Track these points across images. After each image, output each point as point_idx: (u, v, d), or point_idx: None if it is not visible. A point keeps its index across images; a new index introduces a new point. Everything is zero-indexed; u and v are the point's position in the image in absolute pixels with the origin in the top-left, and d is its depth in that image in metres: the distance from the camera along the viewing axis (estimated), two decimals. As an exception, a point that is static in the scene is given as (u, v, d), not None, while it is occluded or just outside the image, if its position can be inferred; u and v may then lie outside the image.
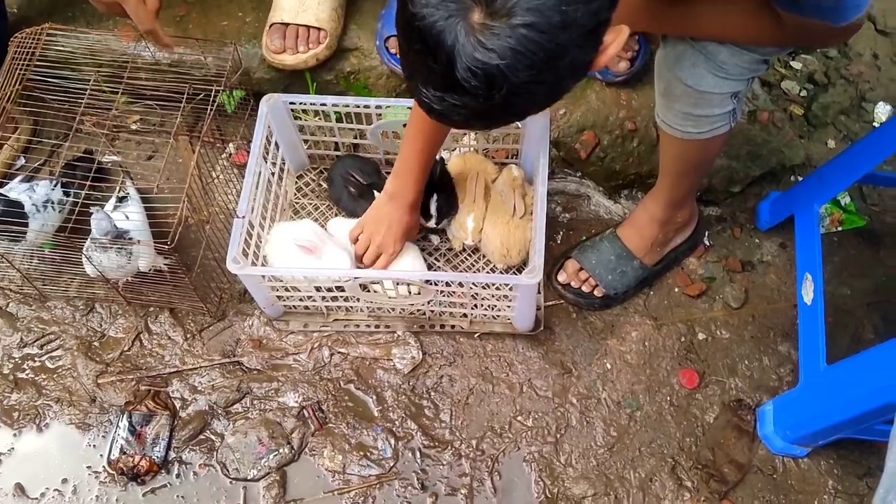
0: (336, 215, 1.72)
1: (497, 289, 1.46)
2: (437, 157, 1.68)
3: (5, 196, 1.54)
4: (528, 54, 0.79)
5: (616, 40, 0.88)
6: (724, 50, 1.15)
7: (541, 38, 0.78)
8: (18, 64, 1.50)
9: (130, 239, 1.48)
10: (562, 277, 1.65)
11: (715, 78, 1.18)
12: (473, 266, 1.67)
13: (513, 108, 0.87)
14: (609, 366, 1.62)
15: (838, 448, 1.51)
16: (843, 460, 1.52)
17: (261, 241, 1.56)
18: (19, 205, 1.53)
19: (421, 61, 0.84)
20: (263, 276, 1.47)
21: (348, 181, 1.63)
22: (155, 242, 1.52)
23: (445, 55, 0.80)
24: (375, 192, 1.59)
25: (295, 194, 1.77)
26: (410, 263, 1.58)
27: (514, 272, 1.64)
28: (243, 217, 1.47)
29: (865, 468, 1.52)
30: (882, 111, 1.86)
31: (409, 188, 1.50)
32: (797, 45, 1.60)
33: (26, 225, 1.52)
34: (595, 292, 1.63)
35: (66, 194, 1.61)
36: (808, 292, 1.50)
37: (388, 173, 1.55)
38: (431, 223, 1.60)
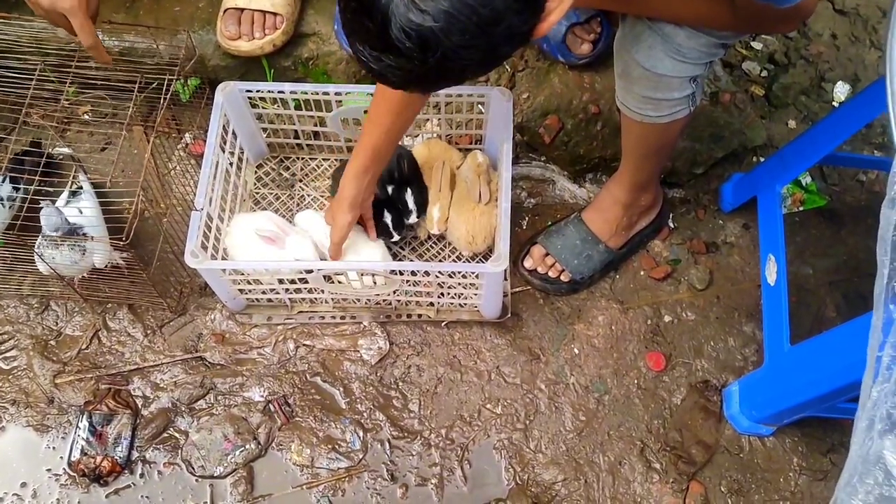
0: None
1: (463, 277, 1.45)
2: (403, 147, 1.67)
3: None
4: (461, 18, 0.78)
5: (559, 7, 0.88)
6: (681, 32, 1.14)
7: (475, 2, 0.78)
8: (-41, 53, 1.44)
9: (84, 234, 1.43)
10: (528, 263, 1.64)
11: (672, 61, 1.17)
12: (439, 255, 1.65)
13: (449, 73, 0.86)
14: (577, 351, 1.62)
15: (803, 426, 1.53)
16: (808, 438, 1.54)
17: (220, 234, 1.52)
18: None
19: (357, 20, 0.83)
20: (224, 270, 1.44)
21: None
22: (110, 238, 1.48)
23: (380, 14, 0.80)
24: (386, 210, 1.56)
25: (255, 184, 1.73)
26: (379, 255, 1.56)
27: (480, 259, 1.63)
28: (201, 210, 1.43)
29: (829, 445, 1.54)
30: (841, 91, 1.87)
31: (353, 184, 1.43)
32: (750, 30, 1.60)
33: None
34: (562, 277, 1.63)
35: (16, 189, 1.56)
36: (770, 273, 1.51)
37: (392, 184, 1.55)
38: (412, 218, 1.58)
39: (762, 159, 1.78)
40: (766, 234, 1.56)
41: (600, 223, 1.61)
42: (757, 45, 1.89)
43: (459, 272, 1.43)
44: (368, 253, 1.55)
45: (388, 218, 1.57)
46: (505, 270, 1.41)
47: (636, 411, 1.57)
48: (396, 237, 1.60)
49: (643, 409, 1.57)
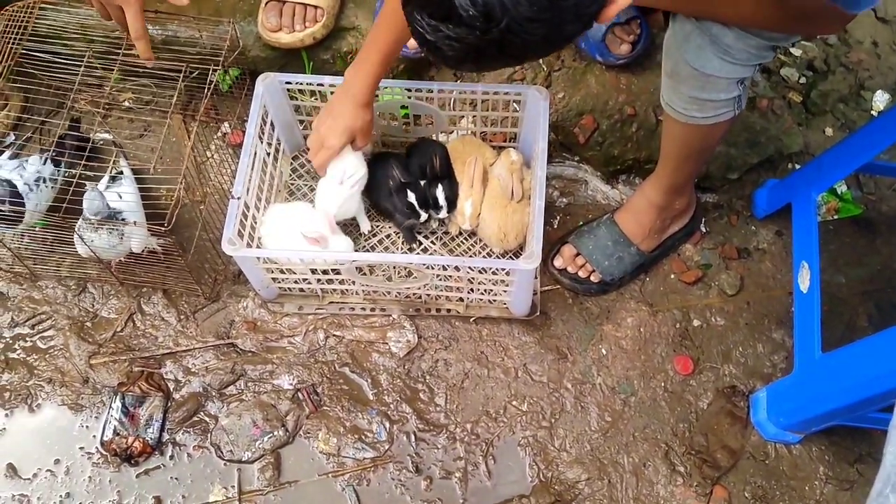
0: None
1: (494, 273, 1.46)
2: (437, 141, 1.68)
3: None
4: None
5: None
6: (729, 33, 1.14)
7: None
8: (10, 38, 1.47)
9: (122, 219, 1.46)
10: (558, 263, 1.65)
11: (721, 61, 1.17)
12: (470, 250, 1.66)
13: (509, 49, 0.83)
14: (604, 351, 1.62)
15: (830, 435, 1.52)
16: (835, 447, 1.53)
17: (256, 223, 1.54)
18: (12, 185, 1.51)
19: None
20: (259, 258, 1.46)
21: (389, 173, 1.58)
22: (149, 223, 1.50)
23: None
24: (409, 191, 1.57)
25: (290, 175, 1.75)
26: (353, 163, 1.55)
27: (510, 256, 1.63)
28: (239, 198, 1.45)
29: (857, 455, 1.53)
30: (880, 99, 1.85)
31: (360, 82, 1.43)
32: (797, 31, 1.59)
33: (23, 206, 1.50)
34: (591, 278, 1.63)
35: (57, 170, 1.59)
36: (804, 280, 1.50)
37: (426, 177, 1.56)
38: (442, 213, 1.59)
39: (798, 166, 1.77)
40: (801, 241, 1.55)
41: (633, 225, 1.61)
42: (796, 52, 1.87)
43: (490, 268, 1.44)
44: (347, 161, 1.54)
45: (411, 197, 1.58)
46: (536, 268, 1.41)
47: (662, 414, 1.57)
48: (424, 216, 1.60)
49: (669, 412, 1.57)
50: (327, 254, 1.48)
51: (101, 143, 1.78)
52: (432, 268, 1.45)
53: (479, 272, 1.46)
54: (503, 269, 1.43)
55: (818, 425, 1.47)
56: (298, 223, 1.51)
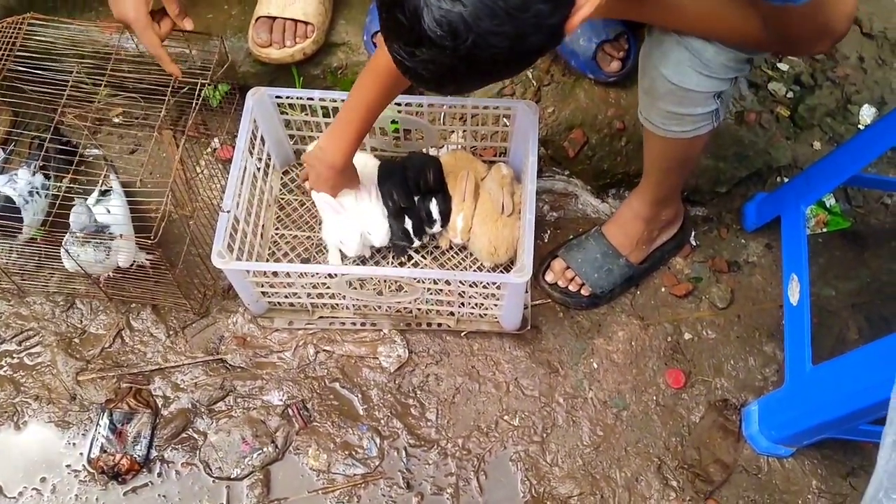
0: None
1: (485, 287, 1.45)
2: (430, 155, 1.68)
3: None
4: (489, 3, 0.83)
5: (589, 1, 0.90)
6: (710, 48, 1.15)
7: None
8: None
9: (110, 234, 1.45)
10: (549, 277, 1.65)
11: (699, 76, 1.18)
12: (461, 264, 1.66)
13: (478, 64, 0.88)
14: (596, 365, 1.61)
15: (822, 448, 1.52)
16: (828, 460, 1.53)
17: (245, 237, 1.54)
18: (9, 199, 1.50)
19: (392, 16, 0.88)
20: (248, 271, 1.45)
21: (389, 195, 1.59)
22: (137, 238, 1.50)
23: (412, 6, 0.85)
24: (407, 217, 1.58)
25: (280, 190, 1.75)
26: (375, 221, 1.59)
27: (501, 270, 1.63)
28: (228, 211, 1.45)
29: (849, 468, 1.52)
30: (867, 113, 1.87)
31: (338, 150, 1.45)
32: (783, 50, 1.60)
33: (21, 218, 1.50)
34: (582, 291, 1.63)
35: (47, 178, 1.59)
36: (794, 293, 1.51)
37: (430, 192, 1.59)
38: (436, 228, 1.59)
39: (786, 179, 1.78)
40: (790, 253, 1.56)
41: (621, 237, 1.61)
42: (783, 67, 1.89)
43: (481, 282, 1.44)
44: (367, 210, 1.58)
45: (408, 224, 1.59)
46: (526, 282, 1.41)
47: (654, 428, 1.56)
48: (417, 243, 1.61)
49: (661, 426, 1.56)
50: (316, 268, 1.48)
51: (92, 158, 1.77)
52: (423, 281, 1.45)
53: (470, 286, 1.46)
54: (494, 283, 1.43)
55: (810, 438, 1.46)
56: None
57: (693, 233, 1.74)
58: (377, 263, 1.66)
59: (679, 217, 1.65)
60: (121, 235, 1.44)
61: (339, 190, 1.55)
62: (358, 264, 1.65)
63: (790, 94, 1.86)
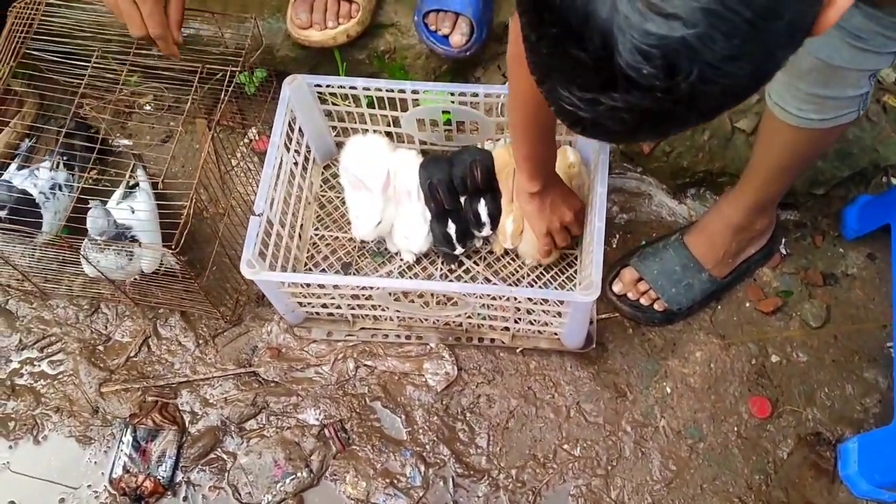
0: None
1: (544, 302, 1.28)
2: (479, 148, 1.51)
3: (13, 185, 1.39)
4: (727, 16, 0.54)
5: None
6: (857, 13, 0.92)
7: None
8: (16, 36, 1.35)
9: (132, 238, 1.32)
10: (617, 288, 1.47)
11: (852, 50, 0.95)
12: (517, 272, 1.49)
13: (702, 104, 0.60)
14: (669, 390, 1.43)
15: (934, 495, 1.32)
16: (940, 510, 1.32)
17: (281, 240, 1.40)
18: (27, 195, 1.39)
19: (560, 51, 0.60)
20: (283, 283, 1.31)
21: (432, 195, 1.44)
22: (164, 242, 1.37)
23: (599, 36, 0.56)
24: (451, 220, 1.42)
25: (321, 186, 1.60)
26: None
27: (555, 274, 1.46)
28: (261, 214, 1.31)
29: (966, 520, 1.32)
30: None
31: (525, 178, 1.32)
32: None
33: (40, 219, 1.39)
34: (655, 306, 1.44)
35: (71, 174, 1.47)
36: (906, 315, 1.30)
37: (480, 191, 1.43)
38: (485, 231, 1.43)
39: (894, 181, 1.56)
40: (902, 268, 1.34)
41: (705, 248, 1.41)
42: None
43: (542, 299, 1.26)
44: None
45: (451, 228, 1.42)
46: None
47: (735, 463, 1.38)
48: (460, 250, 1.45)
49: (743, 462, 1.38)
50: (354, 280, 1.33)
51: (121, 148, 1.65)
52: (475, 296, 1.29)
53: (529, 300, 1.29)
54: (558, 301, 1.26)
55: (923, 487, 1.26)
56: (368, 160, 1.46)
57: (784, 240, 1.53)
58: (424, 269, 1.50)
59: (772, 226, 1.44)
60: (139, 244, 1.30)
61: (562, 213, 1.38)
62: (403, 271, 1.50)
63: (900, 81, 1.63)
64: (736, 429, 1.40)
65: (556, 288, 1.46)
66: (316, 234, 1.55)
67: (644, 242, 1.51)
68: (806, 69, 1.00)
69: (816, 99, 1.04)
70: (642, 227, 1.56)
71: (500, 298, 1.28)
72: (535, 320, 1.36)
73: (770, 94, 1.10)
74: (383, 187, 1.41)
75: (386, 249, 1.53)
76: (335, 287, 1.31)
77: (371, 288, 1.29)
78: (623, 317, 1.48)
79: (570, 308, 1.25)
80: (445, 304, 1.38)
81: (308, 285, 1.32)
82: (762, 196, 1.31)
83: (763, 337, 1.47)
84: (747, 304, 1.49)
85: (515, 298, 1.26)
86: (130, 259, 1.32)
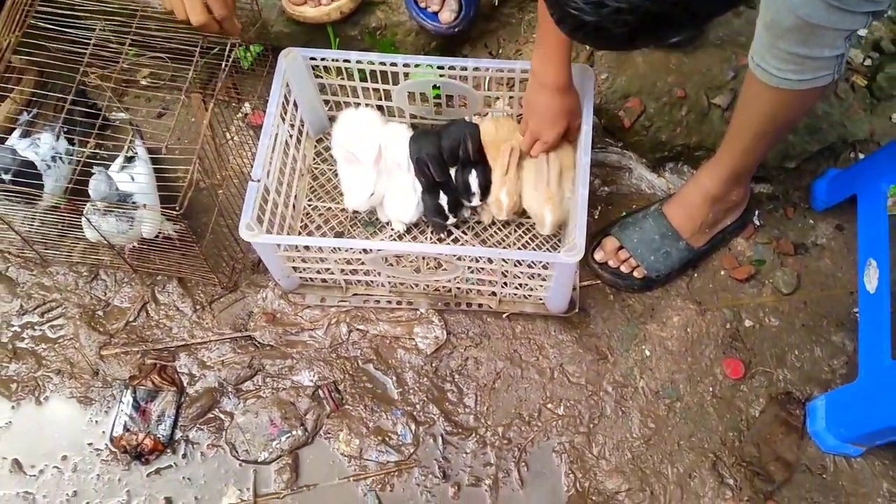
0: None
1: (530, 266, 1.35)
2: (469, 122, 1.57)
3: (17, 153, 1.43)
4: None
5: None
6: None
7: None
8: (19, 9, 1.39)
9: (134, 203, 1.37)
10: (599, 256, 1.53)
11: (830, 9, 1.01)
12: (505, 241, 1.55)
13: (696, 6, 0.67)
14: (648, 352, 1.50)
15: (895, 449, 1.40)
16: (901, 462, 1.40)
17: (276, 208, 1.45)
18: (30, 163, 1.43)
19: None
20: (279, 245, 1.36)
21: (421, 169, 1.49)
22: (162, 208, 1.41)
23: None
24: (442, 192, 1.47)
25: (314, 159, 1.66)
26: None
27: (548, 248, 1.52)
28: (258, 181, 1.36)
29: (925, 471, 1.40)
30: (952, 84, 1.70)
31: (552, 68, 1.32)
32: None
33: (42, 184, 1.42)
34: (635, 273, 1.51)
35: (71, 143, 1.51)
36: (871, 280, 1.37)
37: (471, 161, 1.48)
38: (475, 201, 1.49)
39: (861, 155, 1.64)
40: (867, 236, 1.42)
41: (683, 218, 1.48)
42: (862, 32, 1.72)
43: (527, 261, 1.33)
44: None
45: (443, 200, 1.48)
46: (577, 263, 1.30)
47: (710, 421, 1.45)
48: (452, 220, 1.51)
49: (717, 420, 1.45)
50: (349, 243, 1.38)
51: (118, 122, 1.69)
52: (464, 259, 1.35)
53: (515, 265, 1.35)
54: (541, 263, 1.32)
55: (884, 439, 1.34)
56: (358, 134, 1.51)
57: (757, 212, 1.60)
58: (415, 238, 1.56)
59: (746, 197, 1.51)
60: (143, 206, 1.35)
61: (565, 124, 1.41)
62: (394, 239, 1.55)
63: (868, 62, 1.70)
64: (711, 389, 1.47)
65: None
66: (309, 205, 1.60)
67: (625, 213, 1.58)
68: (786, 27, 1.06)
69: (796, 59, 1.10)
70: (623, 200, 1.63)
71: (488, 262, 1.34)
72: (521, 284, 1.42)
73: (753, 56, 1.16)
74: (375, 160, 1.47)
75: (377, 219, 1.58)
76: (332, 251, 1.36)
77: (365, 251, 1.34)
78: (604, 284, 1.54)
79: (555, 271, 1.32)
80: (436, 269, 1.44)
81: (306, 248, 1.37)
82: (739, 165, 1.38)
83: (737, 303, 1.54)
84: (722, 273, 1.57)
85: (503, 261, 1.32)
86: (131, 224, 1.36)
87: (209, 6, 1.23)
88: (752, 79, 1.19)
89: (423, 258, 1.45)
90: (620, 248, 1.51)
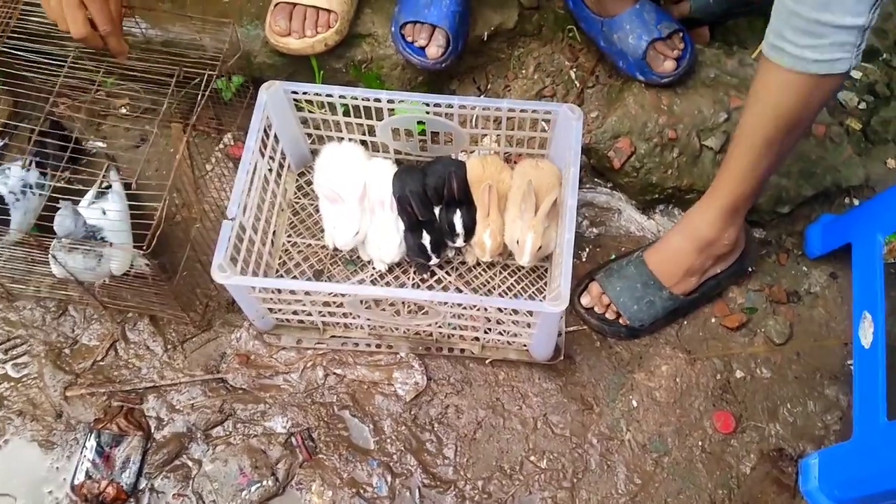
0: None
1: (514, 312, 1.29)
2: (454, 160, 1.53)
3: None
4: None
5: None
6: None
7: None
8: (-9, 36, 1.34)
9: (102, 239, 1.31)
10: (585, 301, 1.48)
11: None
12: (489, 283, 1.50)
13: None
14: (635, 403, 1.45)
15: (891, 511, 1.34)
16: (897, 525, 1.35)
17: (253, 245, 1.39)
18: (-2, 195, 1.38)
19: None
20: (254, 288, 1.31)
21: (404, 208, 1.44)
22: (135, 244, 1.36)
23: None
24: (426, 231, 1.43)
25: (295, 193, 1.61)
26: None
27: (525, 285, 1.47)
28: (233, 219, 1.31)
29: (922, 535, 1.34)
30: (950, 130, 1.67)
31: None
32: None
33: (8, 217, 1.37)
34: (620, 320, 1.46)
35: (43, 174, 1.46)
36: (866, 333, 1.32)
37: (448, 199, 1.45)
38: (459, 242, 1.44)
39: (856, 201, 1.60)
40: (862, 287, 1.37)
41: (666, 265, 1.43)
42: (856, 74, 1.70)
43: (511, 309, 1.27)
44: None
45: (426, 239, 1.43)
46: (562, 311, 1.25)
47: (699, 477, 1.39)
48: (435, 260, 1.46)
49: (707, 476, 1.39)
50: (325, 286, 1.33)
51: (94, 151, 1.64)
52: (447, 304, 1.29)
53: (498, 311, 1.30)
54: (526, 311, 1.27)
55: (881, 502, 1.28)
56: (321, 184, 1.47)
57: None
58: (397, 278, 1.51)
59: (741, 244, 1.46)
60: (110, 244, 1.30)
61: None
62: (375, 279, 1.50)
63: (863, 105, 1.68)
64: (700, 443, 1.42)
65: (527, 298, 1.48)
66: (289, 241, 1.55)
67: (613, 257, 1.53)
68: None
69: (817, 27, 1.04)
70: (611, 242, 1.58)
71: (471, 308, 1.28)
72: (504, 331, 1.37)
73: (767, 38, 1.11)
74: (360, 198, 1.42)
75: (358, 258, 1.53)
76: (306, 294, 1.31)
77: (342, 295, 1.29)
78: (591, 329, 1.49)
79: (539, 319, 1.27)
80: (416, 313, 1.39)
81: (279, 291, 1.32)
82: (737, 193, 1.31)
83: (728, 352, 1.49)
84: (713, 320, 1.52)
85: (486, 308, 1.27)
86: (99, 261, 1.31)
87: (92, 19, 1.17)
88: (763, 71, 1.15)
89: (404, 302, 1.40)
90: (604, 293, 1.46)
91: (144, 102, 1.66)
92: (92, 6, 1.16)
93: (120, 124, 1.68)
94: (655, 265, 1.44)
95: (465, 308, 1.30)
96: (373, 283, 1.51)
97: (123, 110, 1.69)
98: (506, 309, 1.29)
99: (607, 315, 1.47)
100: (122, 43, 1.24)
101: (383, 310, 1.36)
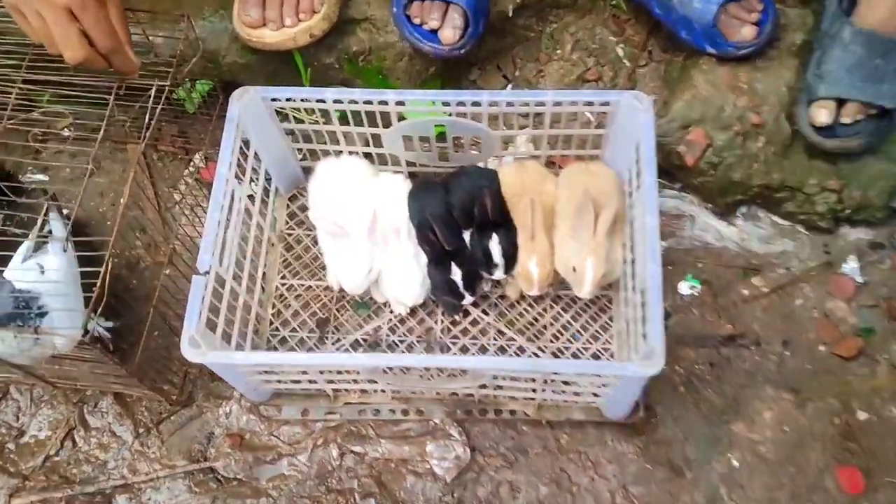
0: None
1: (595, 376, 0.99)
2: (485, 169, 1.21)
3: None
4: None
5: None
6: None
7: None
8: None
9: (40, 308, 1.01)
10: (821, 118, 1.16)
11: None
12: (537, 322, 1.19)
13: None
14: (736, 462, 1.15)
15: None
16: None
17: (236, 299, 1.09)
18: None
19: None
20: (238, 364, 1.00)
21: (425, 236, 1.14)
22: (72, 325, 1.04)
23: None
24: (455, 264, 1.12)
25: (287, 223, 1.30)
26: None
27: (585, 322, 1.17)
28: (207, 273, 1.00)
29: None
30: None
31: None
32: None
33: None
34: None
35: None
36: None
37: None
38: (498, 274, 1.13)
39: None
40: None
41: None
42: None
43: (587, 373, 0.97)
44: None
45: (456, 274, 1.13)
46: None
47: (825, 555, 1.10)
48: (469, 299, 1.15)
49: (835, 552, 1.10)
50: (333, 359, 1.02)
51: (32, 188, 1.33)
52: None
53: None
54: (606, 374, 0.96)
55: None
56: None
57: (857, 265, 1.25)
58: (421, 322, 1.20)
59: None
60: (36, 328, 0.98)
61: None
62: (395, 326, 1.20)
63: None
64: (822, 509, 1.12)
65: (587, 340, 1.17)
66: (283, 284, 1.25)
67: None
68: None
69: None
70: (685, 256, 1.28)
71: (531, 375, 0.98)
72: (570, 391, 1.06)
73: None
74: (370, 230, 1.11)
75: (371, 299, 1.23)
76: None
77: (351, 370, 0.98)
78: (673, 373, 1.19)
79: (622, 381, 0.96)
80: (455, 374, 1.08)
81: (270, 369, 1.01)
82: None
83: (845, 389, 1.19)
84: (821, 348, 1.21)
85: (554, 374, 0.96)
86: (36, 340, 1.00)
87: (89, 37, 0.91)
88: None
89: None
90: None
91: (92, 121, 1.34)
92: (85, 17, 0.90)
93: (64, 149, 1.37)
94: (880, 20, 1.11)
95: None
96: (391, 330, 1.20)
97: (66, 132, 1.37)
98: (581, 375, 0.98)
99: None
100: (131, 59, 0.98)
101: (410, 373, 1.06)
